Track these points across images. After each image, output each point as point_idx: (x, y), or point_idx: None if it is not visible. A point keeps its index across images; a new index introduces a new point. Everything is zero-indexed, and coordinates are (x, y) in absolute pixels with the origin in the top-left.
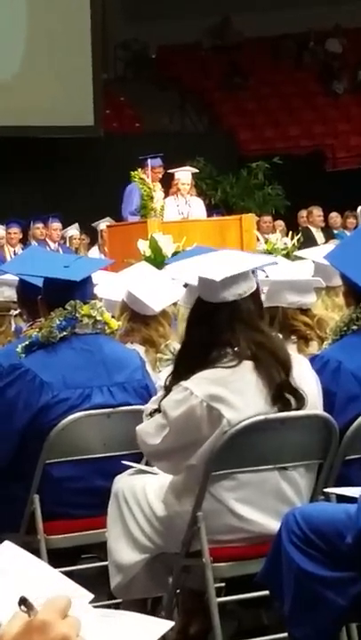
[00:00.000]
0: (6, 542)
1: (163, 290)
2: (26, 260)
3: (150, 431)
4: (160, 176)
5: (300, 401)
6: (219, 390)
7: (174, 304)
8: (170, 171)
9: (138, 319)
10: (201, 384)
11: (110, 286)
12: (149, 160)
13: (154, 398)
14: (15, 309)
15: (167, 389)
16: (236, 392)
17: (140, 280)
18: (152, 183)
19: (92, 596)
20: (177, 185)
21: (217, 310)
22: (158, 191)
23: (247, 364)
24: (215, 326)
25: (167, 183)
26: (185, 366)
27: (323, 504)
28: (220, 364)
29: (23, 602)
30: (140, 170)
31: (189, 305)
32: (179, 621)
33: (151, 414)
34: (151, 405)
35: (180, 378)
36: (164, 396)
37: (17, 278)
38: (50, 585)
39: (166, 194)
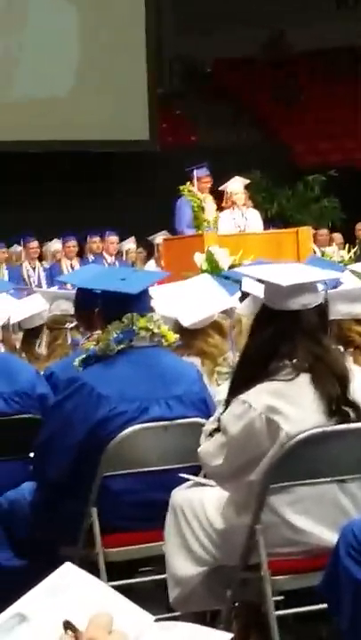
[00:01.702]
0: (67, 564)
1: (200, 303)
2: (84, 273)
3: (212, 451)
4: (209, 186)
5: (359, 414)
6: (277, 402)
7: (229, 316)
8: (220, 187)
9: (184, 332)
10: (259, 397)
11: (165, 300)
12: (195, 170)
13: (212, 418)
14: (71, 322)
15: (226, 403)
16: (294, 405)
17: (180, 294)
18: (202, 194)
19: (152, 618)
20: (230, 198)
21: (279, 318)
22: (209, 203)
23: (304, 377)
24: (276, 334)
25: (220, 197)
26: (243, 378)
27: None
28: (278, 377)
29: (67, 625)
30: (188, 184)
31: (250, 315)
32: (236, 635)
33: (211, 434)
34: (210, 426)
35: (238, 391)
36: (223, 410)
37: (74, 292)
38: (110, 606)
39: (221, 208)
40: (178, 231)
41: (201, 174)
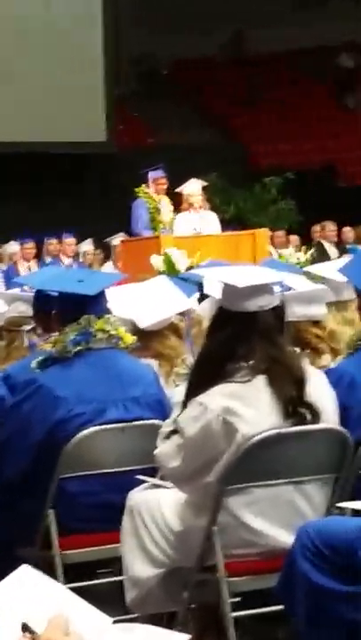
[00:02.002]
0: (24, 566)
1: (157, 305)
2: (41, 274)
3: (169, 453)
4: (165, 187)
5: (315, 416)
6: (233, 404)
7: (186, 318)
8: (177, 190)
9: (141, 334)
10: (216, 398)
11: (122, 302)
12: (150, 173)
13: (168, 421)
14: (29, 325)
15: (183, 405)
16: (251, 406)
17: (137, 296)
18: (158, 196)
19: (110, 620)
20: (188, 200)
21: (236, 319)
22: (166, 205)
23: (261, 379)
24: (232, 336)
25: (177, 199)
26: (200, 380)
27: (336, 518)
28: (235, 379)
29: (25, 628)
30: (144, 185)
31: (209, 316)
32: (193, 636)
33: (168, 436)
34: (167, 428)
35: (195, 392)
36: (180, 412)
37: (31, 294)
38: (67, 608)
39: (178, 210)
40: (135, 233)
41: (156, 176)
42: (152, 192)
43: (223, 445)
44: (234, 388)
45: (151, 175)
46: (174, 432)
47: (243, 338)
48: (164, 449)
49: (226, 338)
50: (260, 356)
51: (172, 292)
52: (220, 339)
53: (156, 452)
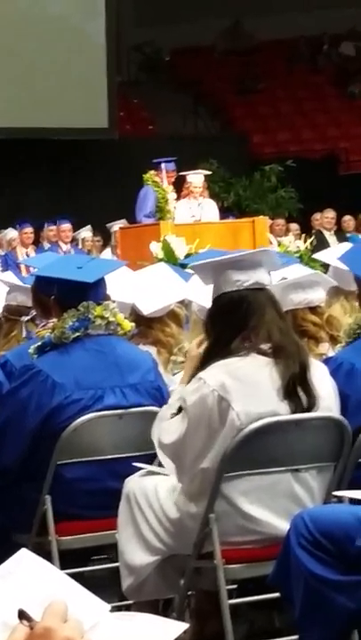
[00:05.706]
0: (23, 550)
1: (159, 292)
2: (41, 260)
3: (169, 429)
4: (173, 179)
5: (311, 399)
6: (231, 382)
7: (185, 307)
8: (182, 173)
9: (141, 320)
10: (214, 374)
11: (122, 288)
12: (164, 164)
13: (165, 406)
14: (27, 315)
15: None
16: (249, 385)
17: (140, 282)
18: (167, 187)
19: (108, 607)
20: (189, 188)
21: (247, 296)
22: (171, 193)
23: (263, 359)
24: (249, 309)
25: (179, 186)
26: (209, 360)
27: (332, 506)
28: (236, 355)
29: (21, 614)
30: (152, 172)
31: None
32: (191, 623)
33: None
34: (168, 410)
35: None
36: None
37: (29, 285)
38: (65, 594)
39: (178, 196)
40: (139, 219)
41: (170, 168)
42: (162, 182)
43: (217, 423)
44: (233, 365)
45: (165, 166)
46: (178, 412)
47: (258, 310)
48: (166, 425)
49: (228, 323)
50: (268, 328)
51: (173, 278)
52: (223, 326)
53: (160, 425)
